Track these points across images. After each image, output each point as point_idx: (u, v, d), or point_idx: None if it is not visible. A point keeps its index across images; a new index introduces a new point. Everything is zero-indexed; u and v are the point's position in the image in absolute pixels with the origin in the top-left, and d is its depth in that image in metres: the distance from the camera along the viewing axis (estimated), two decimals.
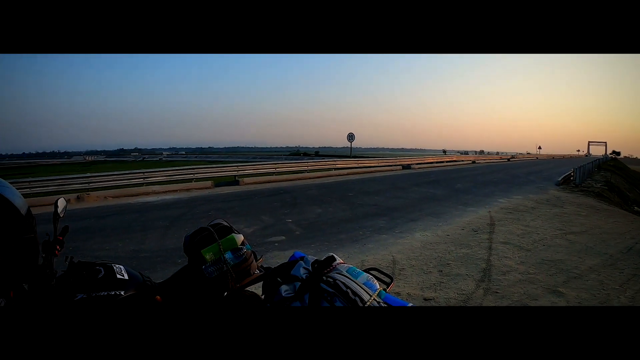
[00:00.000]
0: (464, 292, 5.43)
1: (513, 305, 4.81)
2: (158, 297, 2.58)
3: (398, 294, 5.18)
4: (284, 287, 2.27)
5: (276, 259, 6.61)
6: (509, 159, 60.86)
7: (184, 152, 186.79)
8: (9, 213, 2.03)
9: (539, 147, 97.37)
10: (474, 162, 48.95)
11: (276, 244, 8.32)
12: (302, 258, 2.48)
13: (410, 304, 2.19)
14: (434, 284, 5.78)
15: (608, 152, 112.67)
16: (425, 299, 5.20)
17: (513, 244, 7.82)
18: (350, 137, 38.41)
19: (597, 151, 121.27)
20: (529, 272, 6.20)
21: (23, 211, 2.09)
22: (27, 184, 17.45)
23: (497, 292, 5.37)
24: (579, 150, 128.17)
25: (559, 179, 20.56)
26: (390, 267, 6.55)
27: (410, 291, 5.50)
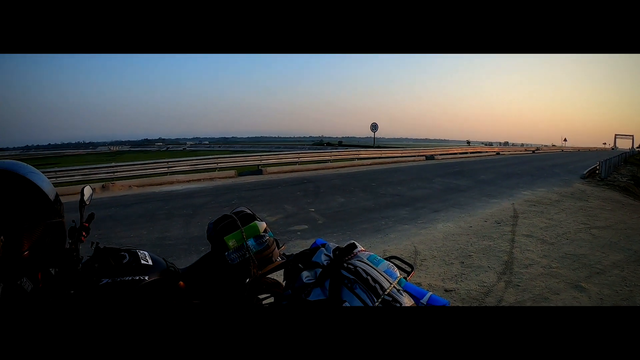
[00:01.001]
0: (485, 284, 5.41)
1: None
2: (181, 282, 2.64)
3: (419, 284, 5.18)
4: (305, 273, 2.31)
5: (298, 247, 6.65)
6: (533, 151, 60.00)
7: (207, 142, 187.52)
8: (38, 197, 2.10)
9: (565, 140, 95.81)
10: (498, 153, 48.42)
11: (299, 233, 8.37)
12: (323, 245, 2.51)
13: (430, 293, 2.21)
14: (455, 276, 5.78)
15: (635, 146, 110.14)
16: (446, 290, 5.21)
17: (536, 237, 7.75)
18: (374, 127, 38.30)
19: (624, 144, 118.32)
20: (551, 266, 6.14)
21: (51, 196, 2.16)
22: (54, 173, 17.71)
23: (518, 285, 5.34)
24: (605, 144, 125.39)
25: (584, 172, 20.16)
26: (412, 257, 6.56)
27: (431, 282, 5.51)
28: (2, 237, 1.89)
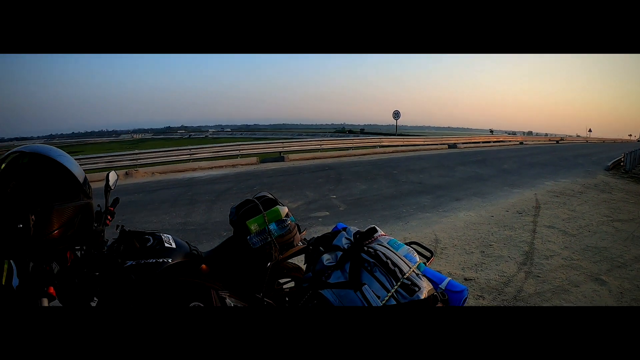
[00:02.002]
0: (505, 274, 5.41)
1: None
2: (204, 266, 2.70)
3: (439, 272, 5.19)
4: (325, 256, 2.34)
5: (319, 234, 6.68)
6: (557, 141, 59.07)
7: (229, 130, 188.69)
8: (68, 179, 2.18)
9: (590, 130, 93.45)
10: (521, 143, 47.83)
11: (320, 219, 8.42)
12: (344, 229, 2.54)
13: (449, 279, 2.24)
14: (476, 265, 5.79)
15: None
16: (465, 279, 5.23)
17: (558, 229, 7.69)
18: (396, 114, 38.03)
19: None
20: (572, 258, 6.10)
21: (80, 179, 2.23)
22: (78, 161, 17.79)
23: (538, 276, 5.33)
24: (630, 135, 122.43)
25: (609, 164, 19.85)
26: (433, 245, 6.58)
27: (451, 270, 5.53)
28: (33, 217, 1.97)
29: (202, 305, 2.44)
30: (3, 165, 2.04)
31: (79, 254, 2.31)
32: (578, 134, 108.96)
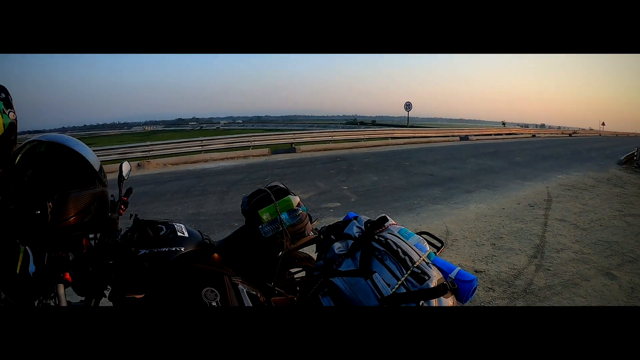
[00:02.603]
0: (515, 267, 5.41)
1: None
2: (216, 255, 2.73)
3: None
4: (336, 245, 2.34)
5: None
6: (570, 134, 58.61)
7: (240, 121, 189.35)
8: (84, 167, 2.21)
9: (603, 123, 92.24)
10: (534, 135, 47.51)
11: (331, 210, 8.45)
12: (355, 218, 2.54)
13: (458, 268, 2.25)
14: (486, 257, 5.79)
15: None
16: (475, 271, 5.24)
17: (569, 222, 7.65)
18: (408, 106, 37.89)
19: None
20: (583, 252, 6.07)
21: (96, 167, 2.26)
22: None
23: (548, 270, 5.32)
24: None
25: (622, 158, 19.62)
26: (443, 237, 6.58)
27: (461, 262, 5.54)
28: (50, 204, 2.00)
29: (215, 290, 2.47)
30: (20, 154, 2.08)
31: (93, 242, 2.35)
32: (591, 127, 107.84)
